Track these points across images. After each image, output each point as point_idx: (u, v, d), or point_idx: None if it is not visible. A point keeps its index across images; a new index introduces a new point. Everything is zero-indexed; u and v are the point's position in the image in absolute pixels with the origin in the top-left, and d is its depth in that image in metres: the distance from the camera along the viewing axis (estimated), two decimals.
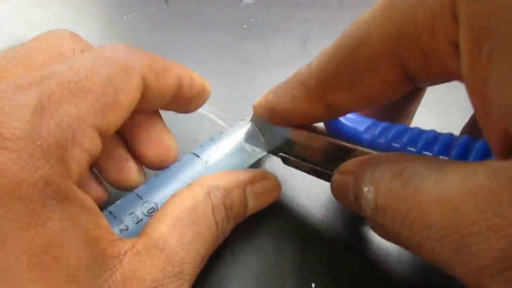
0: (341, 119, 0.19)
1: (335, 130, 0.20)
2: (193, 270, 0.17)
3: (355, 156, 0.19)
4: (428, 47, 0.12)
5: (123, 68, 0.16)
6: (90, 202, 0.14)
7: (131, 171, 0.21)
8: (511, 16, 0.09)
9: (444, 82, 0.14)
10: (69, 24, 0.44)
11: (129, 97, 0.16)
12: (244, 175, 0.21)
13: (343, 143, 0.19)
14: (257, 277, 0.22)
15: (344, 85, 0.15)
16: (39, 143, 0.12)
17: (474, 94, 0.11)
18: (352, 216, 0.25)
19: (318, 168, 0.22)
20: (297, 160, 0.23)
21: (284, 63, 0.36)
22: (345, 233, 0.24)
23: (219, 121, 0.31)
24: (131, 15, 0.44)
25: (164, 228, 0.16)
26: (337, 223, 0.24)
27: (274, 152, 0.24)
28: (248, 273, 0.22)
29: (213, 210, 0.18)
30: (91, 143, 0.15)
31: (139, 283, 0.14)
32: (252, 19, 0.41)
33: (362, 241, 0.23)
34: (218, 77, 0.35)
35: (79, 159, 0.14)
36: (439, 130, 0.18)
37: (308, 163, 0.22)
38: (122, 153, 0.21)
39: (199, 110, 0.32)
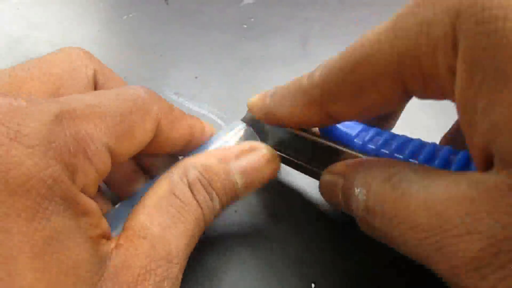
0: None
1: (327, 132, 0.21)
2: (180, 252, 0.16)
3: (344, 159, 0.20)
4: (428, 70, 0.13)
5: (142, 107, 0.17)
6: (93, 206, 0.15)
7: (139, 182, 0.21)
8: (500, 53, 0.11)
9: (437, 100, 0.15)
10: (69, 24, 0.44)
11: (142, 133, 0.17)
12: (227, 150, 0.20)
13: (334, 145, 0.20)
14: (257, 277, 0.22)
15: (345, 97, 0.16)
16: (53, 145, 0.13)
17: (463, 114, 0.13)
18: (352, 216, 0.25)
19: (308, 166, 0.22)
20: (287, 157, 0.23)
21: (284, 63, 0.36)
22: (345, 233, 0.24)
23: (219, 121, 0.31)
24: (131, 15, 0.44)
25: (143, 217, 0.16)
26: (337, 223, 0.24)
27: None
28: (248, 273, 0.22)
29: (190, 188, 0.18)
30: (101, 161, 0.15)
31: (129, 271, 0.15)
32: (252, 19, 0.41)
33: (362, 241, 0.24)
34: (218, 77, 0.35)
35: (87, 171, 0.15)
36: (427, 129, 0.19)
37: (298, 160, 0.23)
38: (131, 165, 0.22)
39: (199, 110, 0.32)
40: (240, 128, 0.23)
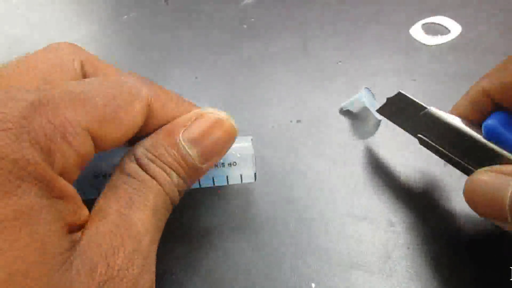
0: (500, 125, 0.20)
1: (492, 134, 0.21)
2: (146, 225, 0.16)
3: (500, 162, 0.19)
4: None
5: (129, 91, 0.17)
6: (71, 192, 0.15)
7: None
8: None
9: None
10: (69, 24, 0.44)
11: (130, 117, 0.17)
12: (174, 122, 0.19)
13: (497, 147, 0.20)
14: (257, 277, 0.22)
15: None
16: (27, 129, 0.14)
17: None
18: (352, 216, 0.25)
19: (460, 160, 0.22)
20: (436, 145, 0.23)
21: (284, 63, 0.36)
22: (345, 233, 0.24)
23: None
24: (131, 15, 0.44)
25: (100, 201, 0.17)
26: (337, 223, 0.24)
27: (413, 131, 0.24)
28: (248, 273, 0.22)
29: (139, 164, 0.18)
30: (82, 144, 0.15)
31: (94, 249, 0.15)
32: (252, 19, 0.41)
33: (362, 241, 0.24)
34: (218, 77, 0.35)
35: (66, 154, 0.15)
36: None
37: (446, 151, 0.23)
38: None
39: None
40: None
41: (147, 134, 0.19)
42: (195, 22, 0.42)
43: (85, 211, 0.16)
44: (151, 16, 0.44)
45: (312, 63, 0.35)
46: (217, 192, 0.26)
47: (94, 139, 0.16)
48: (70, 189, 0.15)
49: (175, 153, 0.18)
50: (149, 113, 0.18)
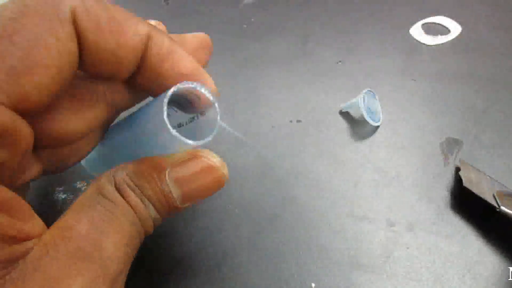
0: None
1: None
2: (116, 255, 0.15)
3: None
4: None
5: (36, 12, 0.12)
6: (7, 199, 0.13)
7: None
8: None
9: None
10: None
11: (53, 54, 0.13)
12: (164, 157, 0.18)
13: None
14: (257, 277, 0.22)
15: None
16: None
17: None
18: (352, 216, 0.25)
19: None
20: None
21: (284, 63, 0.36)
22: (345, 233, 0.24)
23: (220, 122, 0.31)
24: None
25: (69, 216, 0.15)
26: (337, 223, 0.24)
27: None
28: (248, 273, 0.22)
29: (117, 189, 0.16)
30: None
31: (40, 274, 0.13)
32: (252, 19, 0.41)
33: (362, 241, 0.24)
34: (218, 77, 0.35)
35: None
36: None
37: None
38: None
39: None
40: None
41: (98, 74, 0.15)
42: (195, 22, 0.42)
43: (23, 211, 0.13)
44: (151, 16, 0.44)
45: (312, 63, 0.35)
46: None
47: (10, 106, 0.12)
48: (5, 195, 0.13)
49: (157, 188, 0.17)
50: (81, 40, 0.14)
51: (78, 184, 0.26)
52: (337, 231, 0.24)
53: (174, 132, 0.15)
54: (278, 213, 0.25)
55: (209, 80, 0.17)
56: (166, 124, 0.15)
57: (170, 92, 0.15)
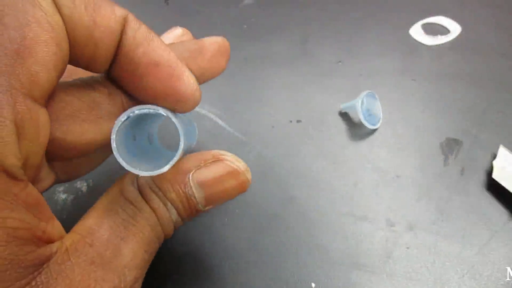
0: None
1: None
2: (136, 259, 0.15)
3: None
4: None
5: None
6: (26, 196, 0.12)
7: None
8: None
9: None
10: None
11: (46, 27, 0.12)
12: (188, 159, 0.17)
13: None
14: (257, 277, 0.22)
15: None
16: None
17: None
18: (352, 216, 0.25)
19: None
20: None
21: (284, 63, 0.36)
22: (345, 233, 0.24)
23: (219, 121, 0.31)
24: None
25: (91, 221, 0.15)
26: (337, 223, 0.24)
27: None
28: (248, 273, 0.22)
29: (141, 192, 0.16)
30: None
31: (64, 281, 0.13)
32: (252, 19, 0.41)
33: (362, 241, 0.24)
34: (218, 77, 0.35)
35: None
36: None
37: None
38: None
39: (199, 110, 0.32)
40: None
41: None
42: (195, 22, 0.42)
43: (44, 213, 0.13)
44: (151, 16, 0.44)
45: (312, 63, 0.35)
46: None
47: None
48: (29, 192, 0.12)
49: (180, 191, 0.17)
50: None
51: (78, 184, 0.26)
52: (337, 231, 0.24)
53: (120, 159, 0.14)
54: (278, 213, 0.25)
55: (186, 73, 0.16)
56: (116, 153, 0.14)
57: (120, 119, 0.14)
